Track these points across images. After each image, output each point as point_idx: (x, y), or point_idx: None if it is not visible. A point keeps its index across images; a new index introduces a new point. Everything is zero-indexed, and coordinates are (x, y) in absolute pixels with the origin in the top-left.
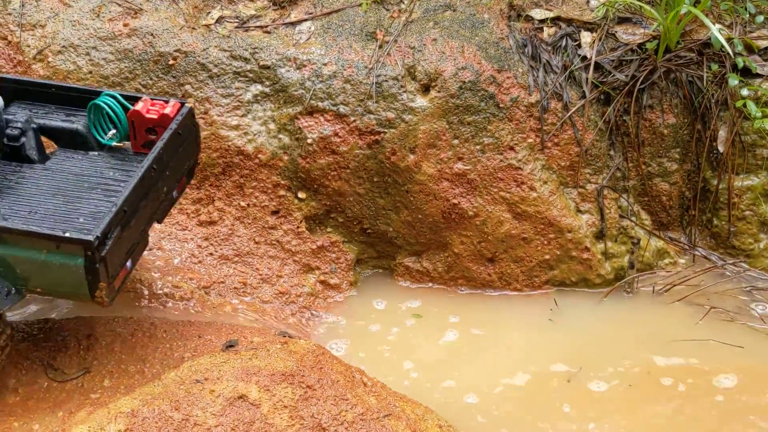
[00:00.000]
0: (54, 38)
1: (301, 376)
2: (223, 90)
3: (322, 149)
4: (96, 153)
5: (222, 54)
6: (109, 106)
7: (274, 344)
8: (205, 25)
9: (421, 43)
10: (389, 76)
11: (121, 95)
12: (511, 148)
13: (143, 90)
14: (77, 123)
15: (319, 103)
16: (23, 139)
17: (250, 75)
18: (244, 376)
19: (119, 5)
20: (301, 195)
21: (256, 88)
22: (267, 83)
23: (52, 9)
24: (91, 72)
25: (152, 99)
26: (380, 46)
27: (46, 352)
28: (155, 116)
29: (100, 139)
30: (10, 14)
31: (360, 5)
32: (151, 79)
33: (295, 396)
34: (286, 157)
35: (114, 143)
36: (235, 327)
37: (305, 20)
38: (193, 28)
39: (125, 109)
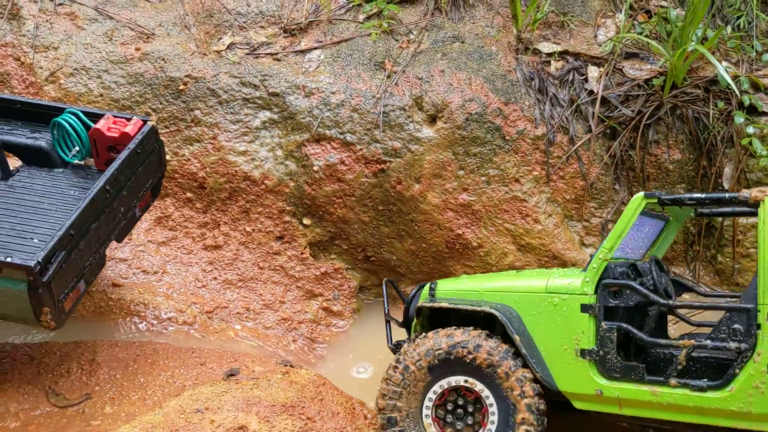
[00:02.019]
0: (66, 60)
1: (302, 408)
2: (232, 116)
3: (328, 176)
4: (60, 170)
5: (232, 80)
6: (70, 124)
7: (275, 374)
8: (216, 51)
9: (429, 74)
10: (396, 106)
11: (84, 112)
12: (517, 180)
13: (152, 113)
14: (41, 140)
15: (327, 131)
16: None
17: (259, 102)
18: (244, 407)
19: (132, 29)
20: (306, 221)
21: (264, 115)
22: (275, 110)
23: (65, 31)
24: (101, 95)
25: (115, 117)
26: (388, 76)
27: (48, 377)
28: (116, 134)
29: (63, 156)
30: (24, 35)
31: (369, 35)
32: (161, 103)
33: (295, 428)
34: (292, 184)
35: (77, 161)
36: (237, 354)
37: (315, 48)
38: (204, 54)
39: (87, 127)
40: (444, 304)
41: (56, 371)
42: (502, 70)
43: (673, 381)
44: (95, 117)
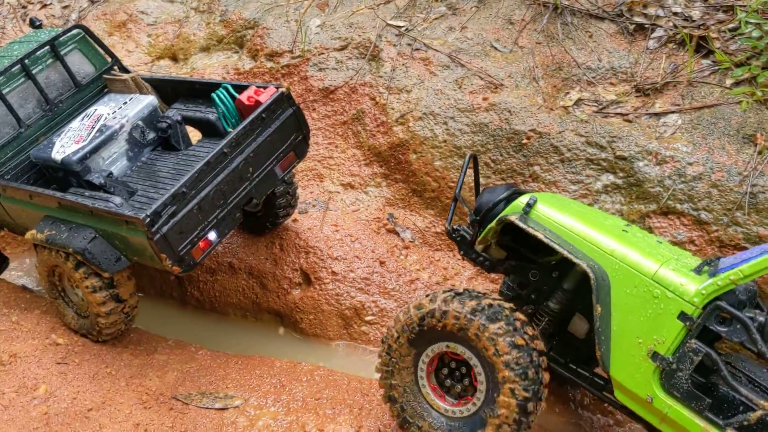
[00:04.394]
0: (417, 104)
1: None
2: (573, 176)
3: None
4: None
5: (578, 139)
6: (219, 98)
7: None
8: (563, 107)
9: None
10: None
11: (233, 86)
12: None
13: (491, 165)
14: (209, 114)
15: (678, 205)
16: (170, 131)
17: (604, 164)
18: None
19: (481, 78)
20: None
21: (607, 179)
22: (621, 175)
23: (418, 76)
24: (445, 141)
25: (257, 87)
26: (759, 152)
27: None
28: (252, 103)
29: (225, 126)
30: (381, 77)
31: (739, 103)
32: (501, 155)
33: None
34: None
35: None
36: None
37: (671, 112)
38: (551, 109)
39: (233, 98)
40: (539, 234)
41: None
42: None
43: (730, 431)
44: (243, 89)
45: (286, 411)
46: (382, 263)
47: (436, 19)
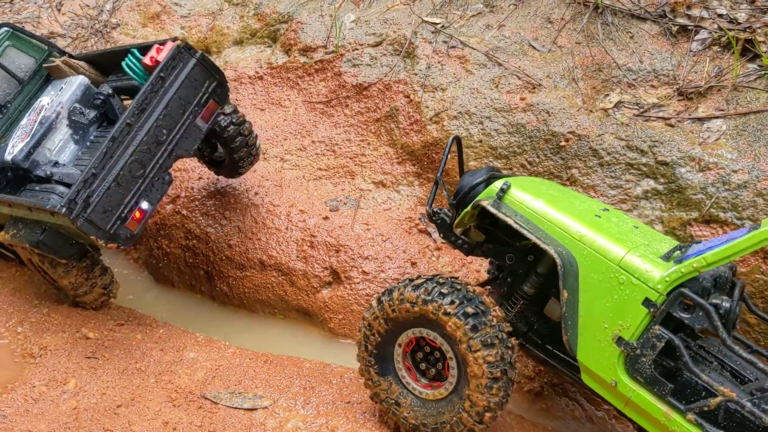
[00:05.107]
0: (452, 103)
1: None
2: (612, 180)
3: None
4: None
5: (618, 142)
6: (128, 65)
7: None
8: (603, 109)
9: None
10: None
11: (138, 48)
12: None
13: (528, 165)
14: (133, 81)
15: (721, 213)
16: (106, 106)
17: (644, 169)
18: None
19: (519, 78)
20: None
21: (648, 184)
22: (662, 180)
23: (454, 74)
24: (480, 141)
25: (158, 45)
26: None
27: None
28: (152, 63)
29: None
30: (416, 74)
31: None
32: (538, 157)
33: None
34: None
35: None
36: None
37: (716, 117)
38: (590, 111)
39: (140, 61)
40: (509, 220)
41: None
42: None
43: (690, 416)
44: (147, 50)
45: (316, 414)
46: (413, 264)
47: (473, 16)
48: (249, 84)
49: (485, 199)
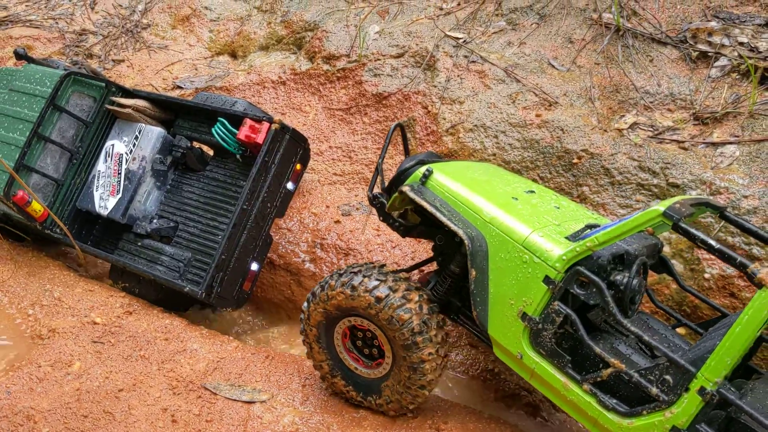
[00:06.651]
0: (469, 116)
1: None
2: (622, 200)
3: (718, 288)
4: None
5: (630, 162)
6: (218, 134)
7: None
8: (617, 129)
9: None
10: None
11: (227, 118)
12: None
13: (538, 182)
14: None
15: (729, 238)
16: (185, 159)
17: (655, 190)
18: None
19: (536, 95)
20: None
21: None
22: None
23: (473, 88)
24: (494, 154)
25: (251, 121)
26: None
27: None
28: (246, 140)
29: (232, 151)
30: (435, 86)
31: None
32: (550, 173)
33: None
34: (674, 286)
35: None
36: None
37: (730, 143)
38: (605, 130)
39: (232, 134)
40: (425, 204)
41: None
42: None
43: (586, 386)
44: (238, 121)
45: (313, 411)
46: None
47: (495, 33)
48: (272, 88)
49: (407, 184)
